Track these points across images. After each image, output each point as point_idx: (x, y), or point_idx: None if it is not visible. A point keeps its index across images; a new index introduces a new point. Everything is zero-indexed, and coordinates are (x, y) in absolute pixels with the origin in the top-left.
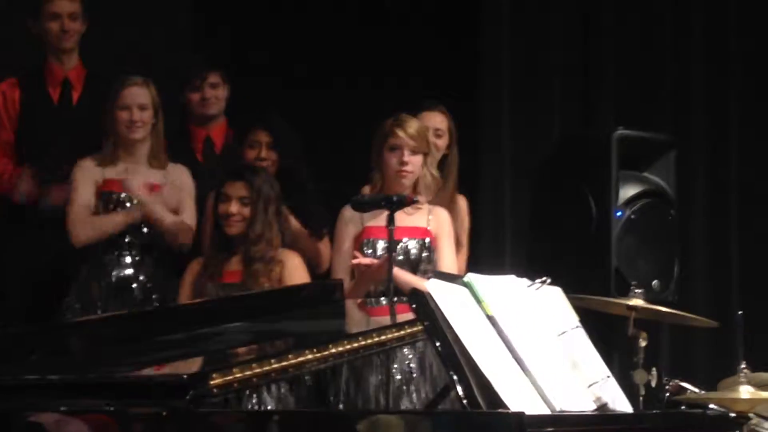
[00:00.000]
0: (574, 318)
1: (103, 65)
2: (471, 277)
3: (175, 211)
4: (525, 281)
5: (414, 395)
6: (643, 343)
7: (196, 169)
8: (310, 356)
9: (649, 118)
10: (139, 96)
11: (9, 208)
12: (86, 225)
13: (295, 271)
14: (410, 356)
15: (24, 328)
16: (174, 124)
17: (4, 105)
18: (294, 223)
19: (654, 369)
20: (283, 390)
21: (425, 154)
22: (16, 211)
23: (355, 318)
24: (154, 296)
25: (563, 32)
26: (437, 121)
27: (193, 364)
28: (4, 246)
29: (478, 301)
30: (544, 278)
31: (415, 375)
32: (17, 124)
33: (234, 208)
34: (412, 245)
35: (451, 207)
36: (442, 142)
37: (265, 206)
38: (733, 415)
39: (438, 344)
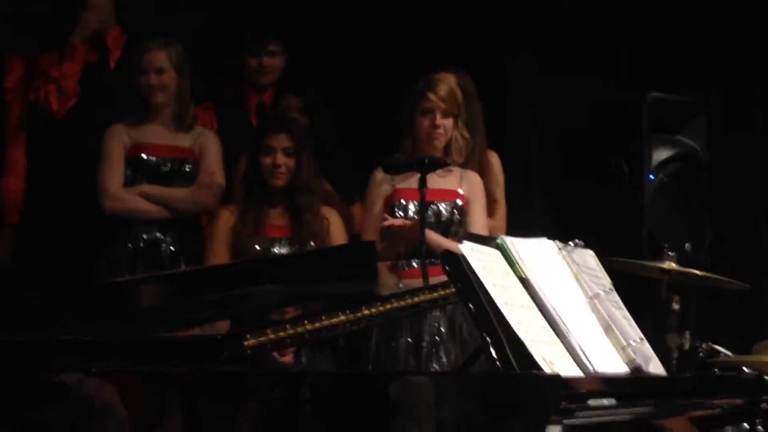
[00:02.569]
0: (607, 281)
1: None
2: (504, 239)
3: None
4: (558, 244)
5: (444, 358)
6: (675, 306)
7: (246, 131)
8: (342, 318)
9: (680, 81)
10: (157, 60)
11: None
12: (117, 200)
13: (337, 227)
14: (440, 319)
15: (56, 291)
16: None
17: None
18: (326, 186)
19: (687, 332)
20: (314, 351)
21: (456, 116)
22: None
23: (386, 280)
24: (182, 257)
25: None
26: (451, 84)
27: (227, 326)
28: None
29: (511, 263)
30: (576, 240)
31: (445, 338)
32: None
33: (280, 159)
34: (444, 208)
35: (482, 164)
36: None
37: (309, 157)
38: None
39: (470, 306)
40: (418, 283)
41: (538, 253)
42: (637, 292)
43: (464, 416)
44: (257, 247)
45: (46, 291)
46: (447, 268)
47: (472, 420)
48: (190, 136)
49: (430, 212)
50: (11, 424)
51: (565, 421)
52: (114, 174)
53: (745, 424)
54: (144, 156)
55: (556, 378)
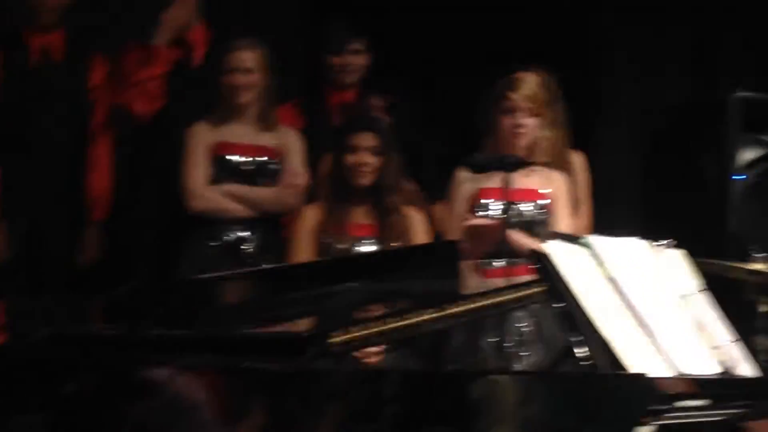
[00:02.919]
0: (698, 281)
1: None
2: (591, 239)
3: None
4: (646, 243)
5: (528, 358)
6: (764, 309)
7: (328, 130)
8: (426, 316)
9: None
10: (245, 60)
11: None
12: (201, 199)
13: (420, 227)
14: (525, 318)
15: (143, 286)
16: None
17: None
18: (409, 185)
19: None
20: (398, 350)
21: (540, 116)
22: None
23: (469, 280)
24: (264, 256)
25: None
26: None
27: (312, 323)
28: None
29: (599, 263)
30: (668, 240)
31: (529, 338)
32: None
33: (365, 158)
34: (528, 207)
35: (566, 164)
36: None
37: (393, 156)
38: None
39: (558, 306)
40: (500, 282)
41: (627, 253)
42: (722, 295)
43: (549, 417)
44: (341, 246)
45: (133, 287)
46: (534, 267)
47: (557, 421)
48: (274, 136)
49: (513, 212)
50: (98, 418)
51: (654, 423)
52: (198, 172)
53: None
54: (228, 155)
55: (644, 379)
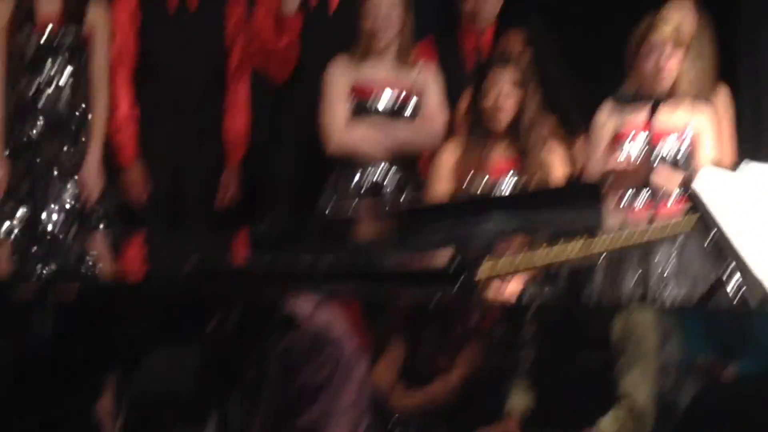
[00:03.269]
0: None
1: None
2: (739, 170)
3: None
4: None
5: (672, 293)
6: None
7: (463, 72)
8: (571, 250)
9: None
10: (384, 1)
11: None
12: (340, 139)
13: (561, 163)
14: (669, 254)
15: (294, 218)
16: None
17: None
18: (550, 121)
19: None
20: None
21: (685, 50)
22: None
23: (613, 216)
24: (404, 195)
25: None
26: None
27: (460, 255)
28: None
29: (747, 194)
30: None
31: (673, 273)
32: None
33: (504, 93)
34: (672, 143)
35: (712, 98)
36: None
37: (533, 92)
38: None
39: (707, 239)
40: (645, 217)
41: None
42: None
43: (694, 352)
44: (481, 183)
45: (275, 219)
46: (681, 201)
47: (700, 354)
48: (412, 74)
49: (658, 148)
50: (244, 351)
51: None
52: (336, 113)
53: None
54: (366, 95)
55: None
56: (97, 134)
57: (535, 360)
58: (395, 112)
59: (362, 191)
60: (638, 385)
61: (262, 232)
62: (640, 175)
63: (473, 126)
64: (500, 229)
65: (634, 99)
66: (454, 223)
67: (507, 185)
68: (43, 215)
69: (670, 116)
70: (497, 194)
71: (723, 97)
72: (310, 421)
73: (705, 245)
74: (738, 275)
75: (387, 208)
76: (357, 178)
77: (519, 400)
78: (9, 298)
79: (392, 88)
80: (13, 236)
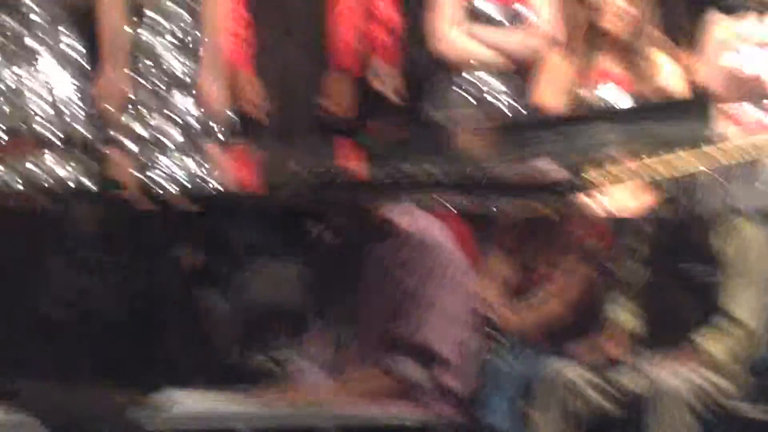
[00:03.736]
0: None
1: None
2: None
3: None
4: None
5: None
6: None
7: None
8: (680, 162)
9: None
10: None
11: None
12: (447, 43)
13: (672, 74)
14: None
15: (392, 131)
16: None
17: None
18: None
19: None
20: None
21: None
22: None
23: (723, 126)
24: (511, 101)
25: None
26: None
27: (569, 164)
28: None
29: None
30: None
31: None
32: None
33: (616, 7)
34: None
35: None
36: None
37: (646, 2)
38: None
39: None
40: (755, 130)
41: None
42: None
43: None
44: (588, 92)
45: (382, 131)
46: None
47: None
48: None
49: None
50: (350, 259)
51: None
52: (444, 16)
53: None
54: (482, 5)
55: None
56: (215, 50)
57: (642, 274)
58: (504, 17)
59: (468, 99)
60: (750, 307)
61: (367, 142)
62: (754, 87)
63: (582, 35)
64: (608, 141)
65: (743, 4)
66: (562, 134)
67: (613, 96)
68: (165, 128)
69: None
70: (605, 106)
71: None
72: (407, 327)
73: None
74: None
75: (493, 118)
76: (463, 84)
77: (626, 318)
78: (135, 210)
79: None
80: (137, 149)
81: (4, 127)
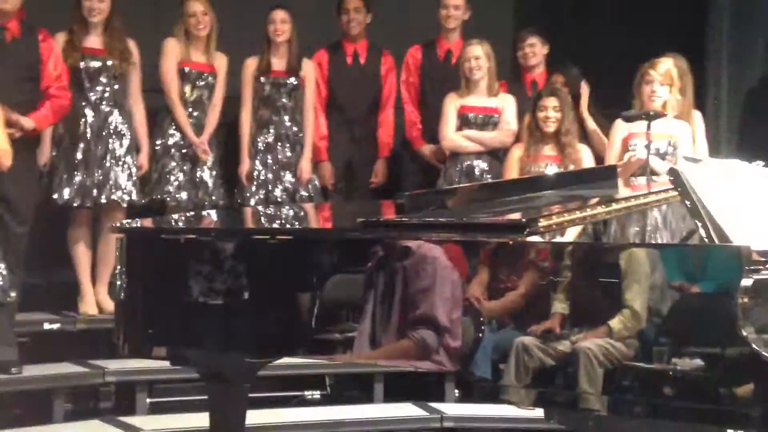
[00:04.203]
0: None
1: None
2: (708, 160)
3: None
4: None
5: (661, 238)
6: None
7: (525, 99)
8: (599, 210)
9: None
10: (476, 52)
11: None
12: (450, 141)
13: (587, 158)
14: (657, 215)
15: (415, 195)
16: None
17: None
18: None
19: None
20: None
21: (670, 85)
22: None
23: (623, 190)
24: (489, 176)
25: None
26: (669, 64)
27: (526, 214)
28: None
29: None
30: (760, 162)
31: (660, 227)
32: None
33: (550, 114)
34: (662, 144)
35: (689, 117)
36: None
37: (569, 112)
38: None
39: (687, 203)
40: (643, 191)
41: (735, 167)
42: None
43: (671, 277)
44: (535, 168)
45: (411, 196)
46: (671, 178)
47: (676, 279)
48: (496, 99)
49: (653, 147)
50: (375, 277)
51: (751, 277)
52: (449, 125)
53: None
54: (468, 113)
55: (744, 248)
56: (308, 143)
57: (571, 281)
58: (485, 124)
59: (462, 174)
60: (635, 298)
61: (400, 202)
62: (640, 165)
63: (531, 134)
64: (551, 198)
65: (638, 116)
66: (520, 194)
67: (552, 170)
68: (276, 192)
69: (660, 127)
70: (548, 177)
71: (697, 119)
72: (421, 312)
73: (682, 208)
74: (702, 228)
75: (476, 186)
76: (459, 166)
77: (559, 307)
78: (254, 243)
79: (483, 109)
80: (255, 203)
81: None
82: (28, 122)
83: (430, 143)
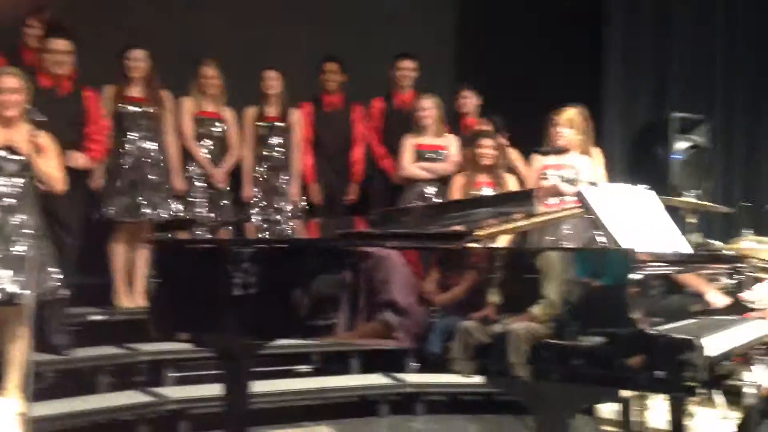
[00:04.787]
0: (660, 204)
1: None
2: (605, 185)
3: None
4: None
5: (570, 244)
6: (691, 220)
7: (465, 137)
8: (522, 223)
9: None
10: (425, 104)
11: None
12: (407, 170)
13: (511, 183)
14: (566, 227)
15: (381, 212)
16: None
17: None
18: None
19: (696, 234)
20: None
21: (572, 128)
22: None
23: (539, 207)
24: (438, 197)
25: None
26: (572, 112)
27: (466, 226)
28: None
29: (609, 196)
30: (644, 186)
31: (571, 237)
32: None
33: (486, 151)
34: (568, 173)
35: (590, 152)
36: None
37: (501, 150)
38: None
39: (588, 217)
40: (556, 208)
41: (625, 189)
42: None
43: (578, 274)
44: (473, 192)
45: (377, 213)
46: (578, 198)
47: (582, 275)
48: (445, 140)
49: (561, 175)
50: (350, 276)
51: (637, 273)
52: (407, 159)
53: None
54: (424, 150)
55: (630, 251)
56: (296, 173)
57: (502, 278)
58: (435, 157)
59: (416, 197)
60: (551, 291)
61: (371, 218)
62: (553, 191)
63: (470, 165)
64: (485, 213)
65: (549, 151)
66: (461, 211)
67: (486, 192)
68: (271, 210)
69: (566, 160)
70: (484, 196)
71: (597, 153)
72: (385, 303)
73: (587, 221)
74: (603, 237)
75: (428, 205)
76: (415, 190)
77: (494, 298)
78: (256, 250)
79: (433, 147)
80: (258, 221)
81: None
82: (82, 159)
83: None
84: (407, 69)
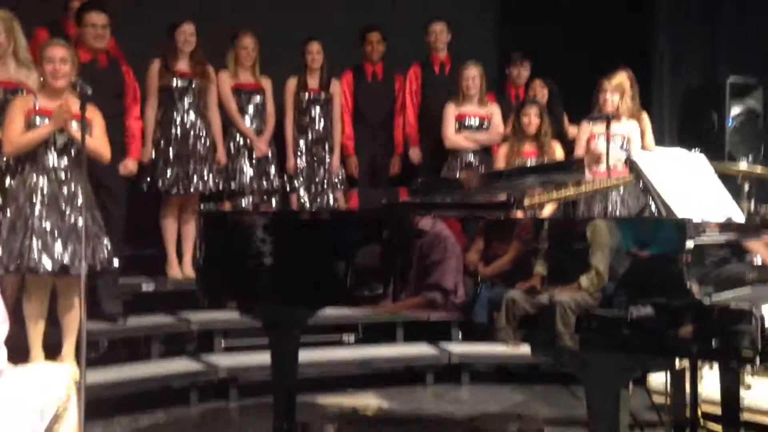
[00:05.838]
0: (711, 170)
1: None
2: (656, 149)
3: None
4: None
5: (620, 213)
6: (744, 186)
7: (510, 107)
8: (570, 191)
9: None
10: (472, 71)
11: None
12: (451, 141)
13: (558, 152)
14: (617, 195)
15: (425, 181)
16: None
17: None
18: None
19: (752, 200)
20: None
21: (622, 93)
22: None
23: (588, 175)
24: (482, 167)
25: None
26: (622, 77)
27: (514, 194)
28: None
29: (660, 162)
30: (697, 149)
31: (618, 205)
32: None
33: (532, 119)
34: (619, 141)
35: (638, 117)
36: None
37: (546, 116)
38: None
39: (642, 183)
40: (605, 176)
41: (677, 154)
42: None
43: (626, 244)
44: (521, 161)
45: (418, 182)
46: (628, 165)
47: (631, 245)
48: (486, 108)
49: (612, 142)
50: (405, 245)
51: (694, 240)
52: (450, 128)
53: None
54: (464, 118)
55: (688, 221)
56: (337, 143)
57: (549, 248)
58: (479, 126)
59: (462, 165)
60: (599, 261)
61: (413, 188)
62: (603, 155)
63: (515, 132)
64: (531, 182)
65: (598, 117)
66: (509, 180)
67: (532, 162)
68: (316, 179)
69: (616, 127)
70: (529, 167)
71: (645, 119)
72: (435, 278)
73: (637, 189)
74: (653, 205)
75: (475, 174)
76: (459, 158)
77: (540, 269)
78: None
79: (477, 115)
80: (302, 190)
81: None
82: (132, 164)
83: (428, 140)
84: (439, 32)
